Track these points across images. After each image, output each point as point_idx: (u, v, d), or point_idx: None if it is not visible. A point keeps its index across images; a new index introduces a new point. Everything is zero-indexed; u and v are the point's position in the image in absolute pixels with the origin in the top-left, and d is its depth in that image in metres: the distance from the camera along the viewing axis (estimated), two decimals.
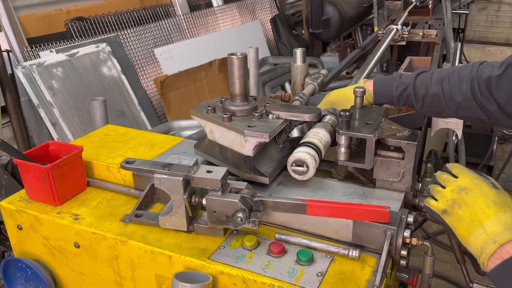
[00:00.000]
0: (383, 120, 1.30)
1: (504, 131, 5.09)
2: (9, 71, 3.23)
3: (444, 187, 1.06)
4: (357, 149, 1.33)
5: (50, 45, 3.65)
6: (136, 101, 3.96)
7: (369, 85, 1.46)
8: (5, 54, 3.21)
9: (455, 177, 1.06)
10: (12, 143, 3.27)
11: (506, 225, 0.92)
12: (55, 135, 3.39)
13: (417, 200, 1.39)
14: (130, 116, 3.89)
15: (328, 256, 1.09)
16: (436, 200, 1.05)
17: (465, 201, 0.98)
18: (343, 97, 1.46)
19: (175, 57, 4.43)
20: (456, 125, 1.49)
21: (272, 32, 5.71)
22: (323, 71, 1.71)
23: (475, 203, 0.97)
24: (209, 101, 1.41)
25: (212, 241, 1.16)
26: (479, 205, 0.96)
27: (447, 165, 1.11)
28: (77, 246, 1.27)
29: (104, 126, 1.83)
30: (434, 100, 1.36)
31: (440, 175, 1.09)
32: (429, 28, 3.91)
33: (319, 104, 1.49)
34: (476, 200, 0.97)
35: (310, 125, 1.39)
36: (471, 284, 1.13)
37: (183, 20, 4.62)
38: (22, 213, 1.34)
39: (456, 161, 3.97)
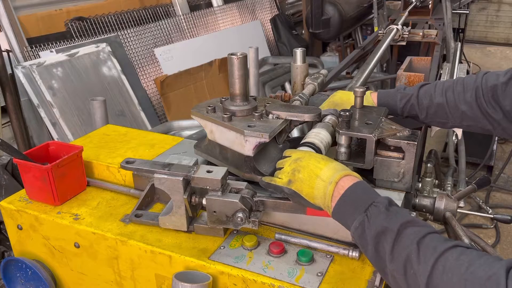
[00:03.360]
0: (383, 120, 1.30)
1: None
2: (9, 71, 3.23)
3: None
4: (357, 149, 1.33)
5: (50, 45, 3.65)
6: (136, 101, 3.96)
7: (373, 97, 1.46)
8: (5, 54, 3.21)
9: (288, 156, 1.14)
10: (12, 143, 3.27)
11: (336, 168, 1.04)
12: (55, 135, 3.39)
13: (417, 200, 1.39)
14: (130, 116, 3.89)
15: (328, 256, 1.09)
16: (281, 178, 1.11)
17: (301, 165, 1.07)
18: (347, 101, 1.46)
19: (175, 57, 4.43)
20: None
21: (272, 32, 5.71)
22: (323, 71, 1.71)
23: (309, 163, 1.07)
24: (209, 101, 1.41)
25: (212, 241, 1.16)
26: (312, 163, 1.06)
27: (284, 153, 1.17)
28: (77, 246, 1.27)
29: (104, 126, 1.83)
30: (439, 110, 1.37)
31: (278, 162, 1.15)
32: (429, 28, 3.91)
33: (322, 104, 1.49)
34: (309, 161, 1.07)
35: (310, 125, 1.39)
36: None
37: (183, 20, 4.62)
38: (22, 213, 1.34)
39: (456, 161, 3.98)
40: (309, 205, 1.06)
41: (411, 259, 0.84)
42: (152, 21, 4.41)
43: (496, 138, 4.31)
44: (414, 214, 1.15)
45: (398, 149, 1.24)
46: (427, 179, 1.51)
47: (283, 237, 1.14)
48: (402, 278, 0.86)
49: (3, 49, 3.20)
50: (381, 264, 0.91)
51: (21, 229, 1.37)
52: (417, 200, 1.38)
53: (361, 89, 1.32)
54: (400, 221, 0.89)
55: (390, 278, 0.90)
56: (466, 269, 0.78)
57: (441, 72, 3.30)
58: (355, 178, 1.02)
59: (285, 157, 1.14)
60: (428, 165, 1.59)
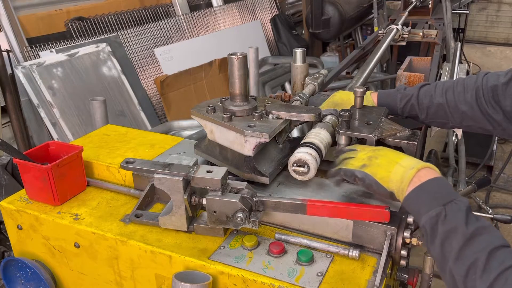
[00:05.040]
0: (383, 120, 1.30)
1: None
2: (9, 71, 3.23)
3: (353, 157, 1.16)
4: None
5: (50, 45, 3.65)
6: (136, 101, 3.96)
7: (373, 97, 1.46)
8: (5, 54, 3.21)
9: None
10: (12, 143, 3.27)
11: (417, 160, 1.06)
12: (55, 135, 3.39)
13: None
14: (130, 116, 3.89)
15: (328, 256, 1.09)
16: (352, 164, 1.14)
17: (380, 154, 1.10)
18: (347, 101, 1.46)
19: (175, 57, 4.42)
20: None
21: (272, 32, 5.71)
22: (323, 71, 1.71)
23: (388, 153, 1.10)
24: (209, 101, 1.41)
25: (212, 241, 1.16)
26: (392, 153, 1.10)
27: (349, 147, 1.21)
28: (77, 246, 1.28)
29: (104, 126, 1.83)
30: (439, 111, 1.37)
31: (346, 152, 1.18)
32: (429, 28, 3.91)
33: (322, 104, 1.49)
34: (388, 152, 1.11)
35: (310, 125, 1.39)
36: None
37: (183, 20, 4.62)
38: (22, 213, 1.34)
39: (456, 161, 3.98)
40: (380, 189, 1.06)
41: (477, 265, 0.83)
42: (152, 21, 4.41)
43: (496, 138, 4.31)
44: None
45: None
46: None
47: (283, 237, 1.14)
48: (461, 280, 0.85)
49: (3, 49, 3.20)
50: (443, 260, 0.90)
51: (21, 229, 1.37)
52: None
53: (361, 89, 1.32)
54: (477, 225, 0.88)
55: (448, 276, 0.89)
56: None
57: (441, 72, 3.30)
58: (436, 172, 1.03)
59: (352, 150, 1.17)
60: None
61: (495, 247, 0.84)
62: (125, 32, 4.11)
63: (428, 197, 0.96)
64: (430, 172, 1.02)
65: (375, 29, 4.57)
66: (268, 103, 1.36)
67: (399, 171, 1.03)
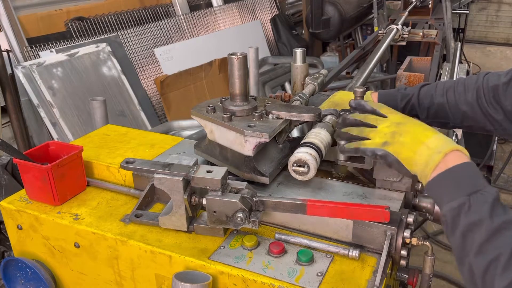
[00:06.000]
0: None
1: None
2: (9, 71, 3.23)
3: (374, 127, 1.08)
4: None
5: (50, 45, 3.65)
6: (136, 101, 3.96)
7: (374, 97, 1.46)
8: (5, 54, 3.21)
9: (384, 116, 1.09)
10: (12, 143, 3.27)
11: (445, 140, 0.98)
12: (55, 135, 3.39)
13: (417, 200, 1.39)
14: (130, 116, 3.89)
15: (328, 256, 1.09)
16: (369, 139, 1.07)
17: (405, 130, 1.02)
18: (347, 101, 1.46)
19: (175, 57, 4.43)
20: None
21: (272, 32, 5.71)
22: (323, 71, 1.71)
23: (414, 129, 1.02)
24: (209, 101, 1.41)
25: (212, 241, 1.16)
26: (418, 130, 1.02)
27: (369, 103, 1.12)
28: (77, 246, 1.28)
29: (104, 126, 1.83)
30: (439, 111, 1.37)
31: (367, 116, 1.10)
32: (429, 28, 3.91)
33: (322, 104, 1.49)
34: (414, 127, 1.03)
35: (310, 125, 1.39)
36: None
37: (183, 20, 4.62)
38: (22, 213, 1.34)
39: None
40: (402, 169, 1.01)
41: (499, 261, 0.79)
42: (152, 21, 4.41)
43: (496, 138, 4.31)
44: (414, 214, 1.15)
45: None
46: None
47: (283, 237, 1.14)
48: (480, 276, 0.81)
49: (3, 49, 3.20)
50: (463, 253, 0.86)
51: (21, 229, 1.37)
52: (417, 201, 1.38)
53: (361, 89, 1.32)
54: (503, 219, 0.83)
55: (467, 270, 0.85)
56: None
57: (441, 72, 3.30)
58: (466, 156, 0.96)
59: (375, 113, 1.09)
60: None
61: None
62: (125, 32, 4.11)
63: (452, 185, 0.91)
64: (459, 156, 0.95)
65: (375, 29, 4.57)
66: (268, 103, 1.36)
67: (424, 153, 0.97)
